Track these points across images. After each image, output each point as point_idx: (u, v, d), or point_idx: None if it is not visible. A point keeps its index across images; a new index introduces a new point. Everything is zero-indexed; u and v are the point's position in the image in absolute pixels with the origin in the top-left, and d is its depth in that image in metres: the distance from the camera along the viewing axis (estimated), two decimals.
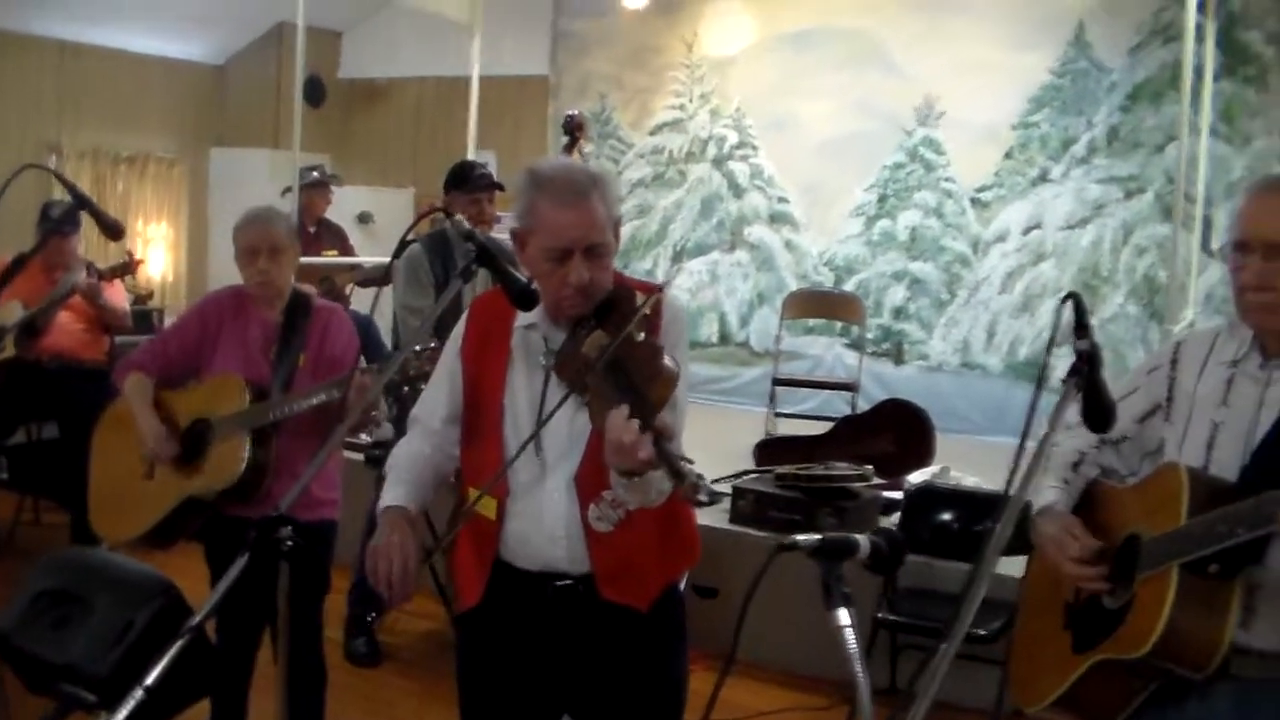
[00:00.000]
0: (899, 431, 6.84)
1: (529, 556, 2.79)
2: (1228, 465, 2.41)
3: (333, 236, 8.97)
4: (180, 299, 10.99)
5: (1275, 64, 8.12)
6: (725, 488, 6.19)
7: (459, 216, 2.74)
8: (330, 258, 8.73)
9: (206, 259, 11.01)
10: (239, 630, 4.09)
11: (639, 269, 10.25)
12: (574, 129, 6.54)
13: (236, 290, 4.20)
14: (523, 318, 2.77)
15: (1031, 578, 2.76)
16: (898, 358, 9.51)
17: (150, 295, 10.41)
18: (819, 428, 7.34)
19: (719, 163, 10.26)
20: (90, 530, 4.45)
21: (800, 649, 5.48)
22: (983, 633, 4.69)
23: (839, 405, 8.62)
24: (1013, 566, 4.89)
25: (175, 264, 11.52)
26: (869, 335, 9.39)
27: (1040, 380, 2.25)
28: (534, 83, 10.96)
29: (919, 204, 9.41)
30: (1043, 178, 8.94)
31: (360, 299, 8.83)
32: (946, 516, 5.37)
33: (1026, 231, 9.00)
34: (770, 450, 7.00)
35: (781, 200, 10.01)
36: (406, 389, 3.35)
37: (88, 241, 8.48)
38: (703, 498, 2.24)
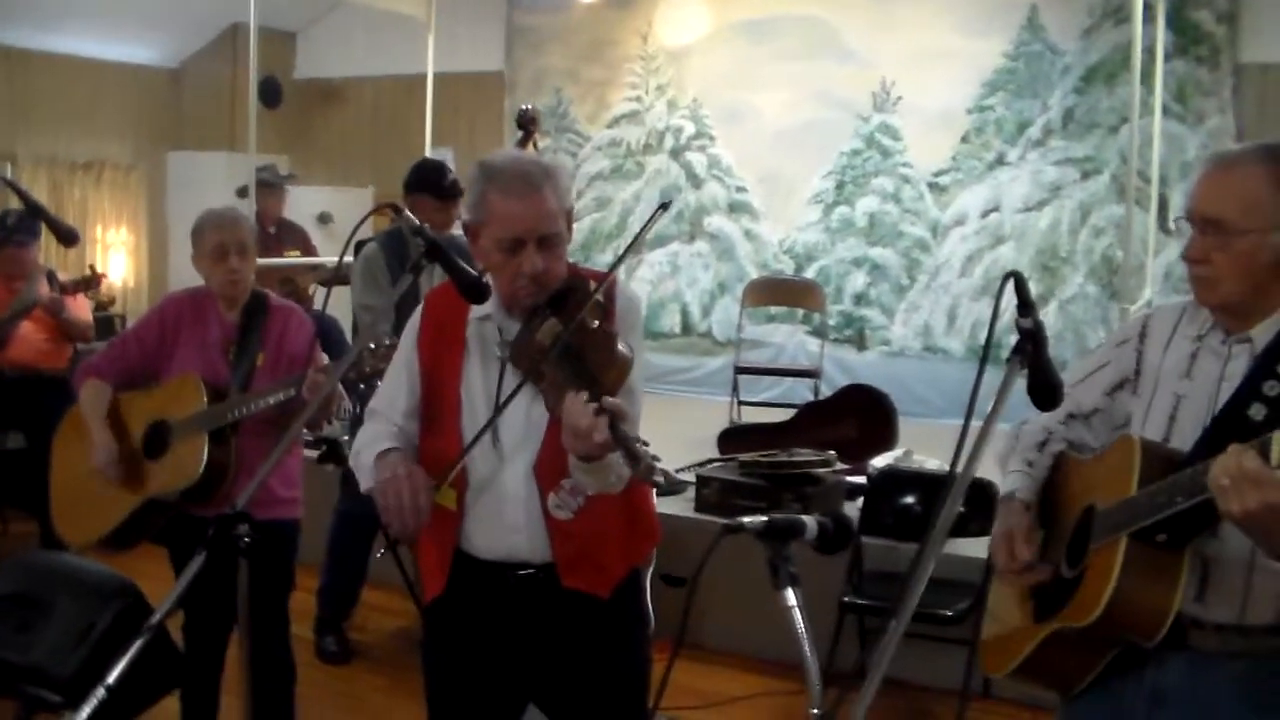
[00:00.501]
0: (861, 416, 6.88)
1: (490, 547, 2.81)
2: (1188, 438, 2.42)
3: (294, 237, 8.95)
4: (142, 304, 10.94)
5: (1226, 43, 8.18)
6: (690, 476, 6.23)
7: (407, 212, 2.75)
8: (292, 258, 8.72)
9: (167, 264, 10.95)
10: (205, 630, 4.10)
11: (600, 262, 10.23)
12: (527, 124, 6.56)
13: (195, 292, 4.20)
14: (477, 309, 2.78)
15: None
16: (860, 344, 9.55)
17: (111, 302, 10.40)
18: (782, 415, 7.37)
19: (677, 154, 10.28)
20: (59, 537, 4.45)
21: (771, 636, 5.51)
22: (948, 613, 4.74)
23: (802, 392, 8.67)
24: (975, 548, 4.98)
25: (136, 270, 11.46)
26: (830, 322, 9.43)
27: (984, 359, 2.26)
28: (489, 79, 10.95)
29: (877, 190, 9.44)
30: (999, 161, 8.99)
31: (323, 299, 8.80)
32: (910, 499, 5.40)
33: (985, 215, 9.05)
34: (734, 438, 7.02)
35: (740, 190, 10.03)
36: (364, 386, 3.35)
37: (46, 250, 8.45)
38: (658, 479, 2.27)
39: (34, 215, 3.90)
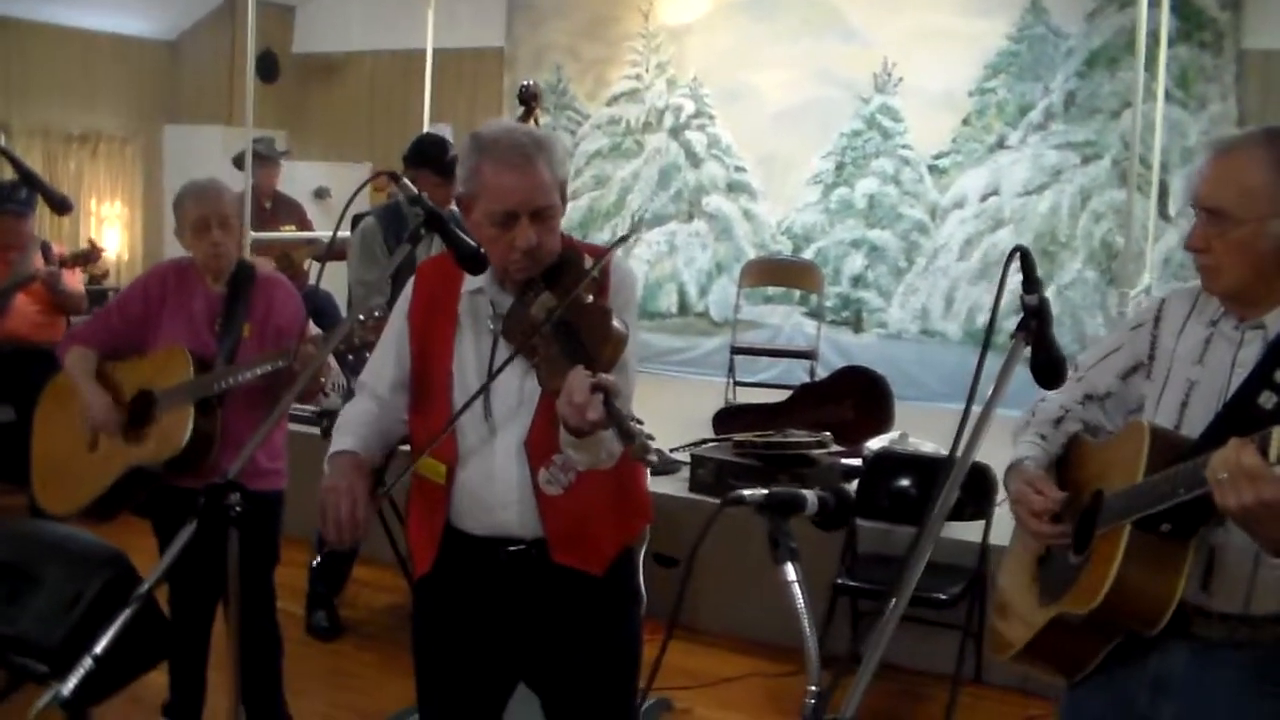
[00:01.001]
0: (857, 398, 6.86)
1: (480, 522, 2.78)
2: (1198, 425, 2.40)
3: (289, 212, 8.91)
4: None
5: (1230, 29, 8.15)
6: (684, 456, 6.21)
7: (405, 180, 2.72)
8: (287, 233, 8.68)
9: (162, 237, 10.92)
10: (192, 602, 4.08)
11: (598, 240, 10.21)
12: (529, 99, 6.52)
13: (180, 263, 4.17)
14: (470, 282, 2.75)
15: (1016, 530, 2.76)
16: (857, 326, 9.52)
17: (105, 275, 10.34)
18: (778, 396, 7.35)
19: (676, 133, 10.24)
20: (40, 507, 4.43)
21: (763, 617, 5.51)
22: (942, 597, 4.72)
23: (798, 374, 8.66)
24: (970, 532, 4.97)
25: (130, 243, 11.43)
26: (828, 304, 9.40)
27: (987, 341, 2.23)
28: (489, 54, 10.90)
29: (877, 172, 9.41)
30: (1000, 144, 8.96)
31: (317, 274, 8.78)
32: (905, 482, 5.38)
33: (984, 198, 9.02)
34: (729, 419, 7.01)
35: (739, 170, 10.00)
36: (352, 357, 3.32)
37: (40, 222, 8.40)
38: (651, 458, 2.25)
39: (26, 182, 3.86)
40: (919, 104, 9.22)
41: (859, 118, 9.45)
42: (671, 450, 6.37)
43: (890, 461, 5.55)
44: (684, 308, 10.24)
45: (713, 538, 2.11)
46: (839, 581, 5.04)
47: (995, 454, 2.78)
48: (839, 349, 9.30)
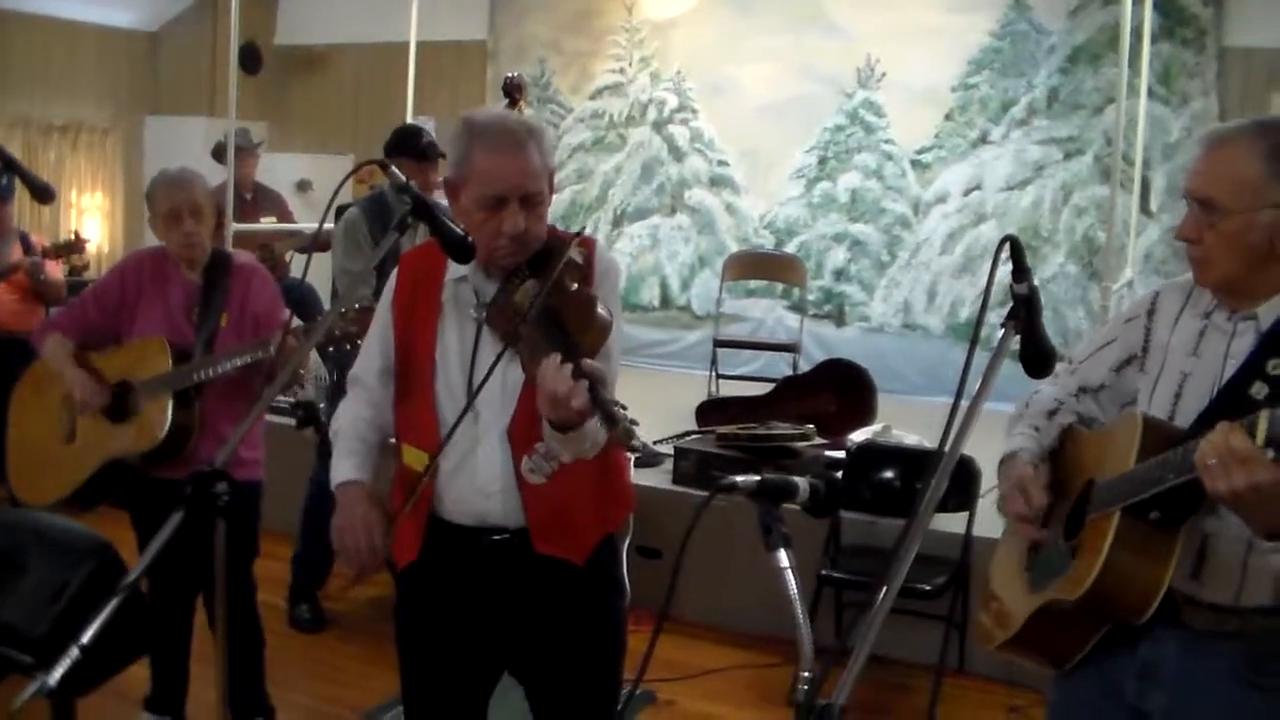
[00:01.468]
0: (840, 390, 6.86)
1: (463, 511, 2.78)
2: (1192, 416, 2.40)
3: (270, 203, 8.88)
4: None
5: (1212, 25, 8.17)
6: (667, 449, 6.21)
7: (393, 169, 2.71)
8: (269, 224, 8.65)
9: (143, 228, 10.80)
10: (172, 593, 4.06)
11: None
12: (513, 90, 6.50)
13: (156, 252, 4.15)
14: (454, 270, 2.75)
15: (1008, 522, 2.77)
16: (839, 319, 9.53)
17: (86, 267, 10.29)
18: (761, 389, 7.35)
19: (659, 126, 10.22)
20: (16, 498, 4.40)
21: (749, 609, 5.52)
22: (927, 588, 4.74)
23: (781, 367, 8.66)
24: (954, 524, 4.98)
25: (111, 234, 11.38)
26: (810, 297, 9.40)
27: (976, 334, 2.23)
28: (472, 48, 10.88)
29: (859, 166, 9.42)
30: (983, 139, 8.97)
31: (300, 265, 8.76)
32: (888, 474, 5.40)
33: (967, 193, 9.04)
34: (712, 411, 7.00)
35: (722, 163, 9.99)
36: (332, 349, 3.31)
37: (21, 212, 8.38)
38: (636, 443, 2.24)
39: (8, 169, 3.84)
40: (902, 99, 9.23)
41: (842, 112, 9.45)
42: (655, 443, 6.37)
43: (873, 454, 5.57)
44: (666, 301, 10.24)
45: (696, 529, 2.11)
46: (823, 573, 5.06)
47: (982, 445, 2.79)
48: (821, 342, 9.30)
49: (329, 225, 6.34)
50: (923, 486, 1.94)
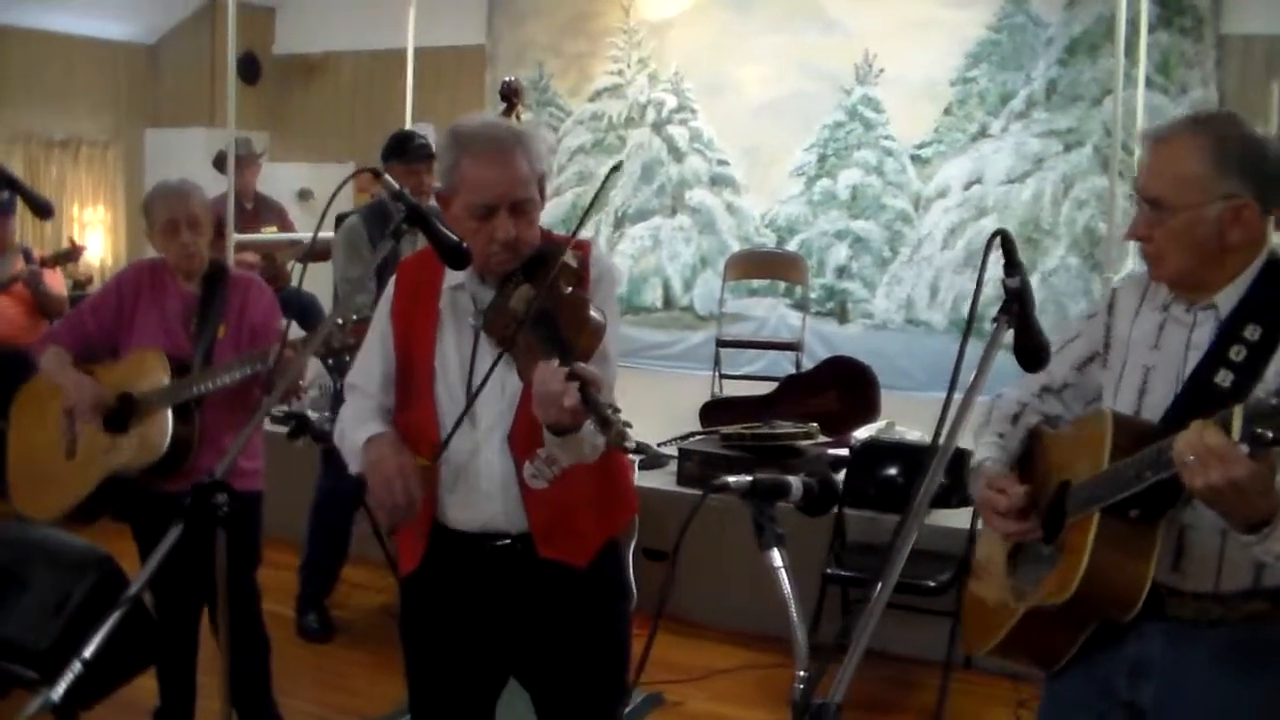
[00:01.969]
0: (843, 388, 6.86)
1: (466, 518, 2.79)
2: (1158, 409, 2.43)
3: (271, 213, 8.89)
4: None
5: (1210, 15, 8.17)
6: (671, 450, 6.21)
7: (387, 176, 2.71)
8: (270, 234, 8.66)
9: (145, 241, 10.87)
10: (177, 606, 4.06)
11: (581, 236, 10.17)
12: (510, 95, 6.49)
13: (153, 263, 4.15)
14: (451, 278, 2.75)
15: (983, 529, 2.78)
16: (842, 317, 9.53)
17: (89, 280, 10.32)
18: (765, 388, 7.34)
19: (658, 127, 10.23)
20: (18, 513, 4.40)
21: (753, 608, 5.51)
22: (931, 584, 4.73)
23: (785, 365, 8.65)
24: (958, 519, 4.98)
25: (114, 247, 11.40)
26: (813, 295, 9.40)
27: (969, 327, 2.25)
28: (470, 52, 10.88)
29: (859, 163, 9.42)
30: (982, 133, 8.97)
31: (300, 275, 8.74)
32: (892, 471, 5.41)
33: (967, 187, 9.03)
34: (716, 412, 7.00)
35: (722, 163, 10.00)
36: (331, 361, 3.32)
37: (23, 227, 8.40)
38: (630, 445, 2.25)
39: (8, 186, 3.86)
40: (900, 94, 9.23)
41: (841, 109, 9.46)
42: (659, 444, 6.38)
43: (877, 451, 5.57)
44: (669, 302, 10.24)
45: (701, 529, 2.12)
46: (828, 571, 5.06)
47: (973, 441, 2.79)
48: (824, 340, 9.30)
49: (329, 234, 6.36)
50: (917, 481, 1.94)
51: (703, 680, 5.25)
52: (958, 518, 5.05)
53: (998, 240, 2.21)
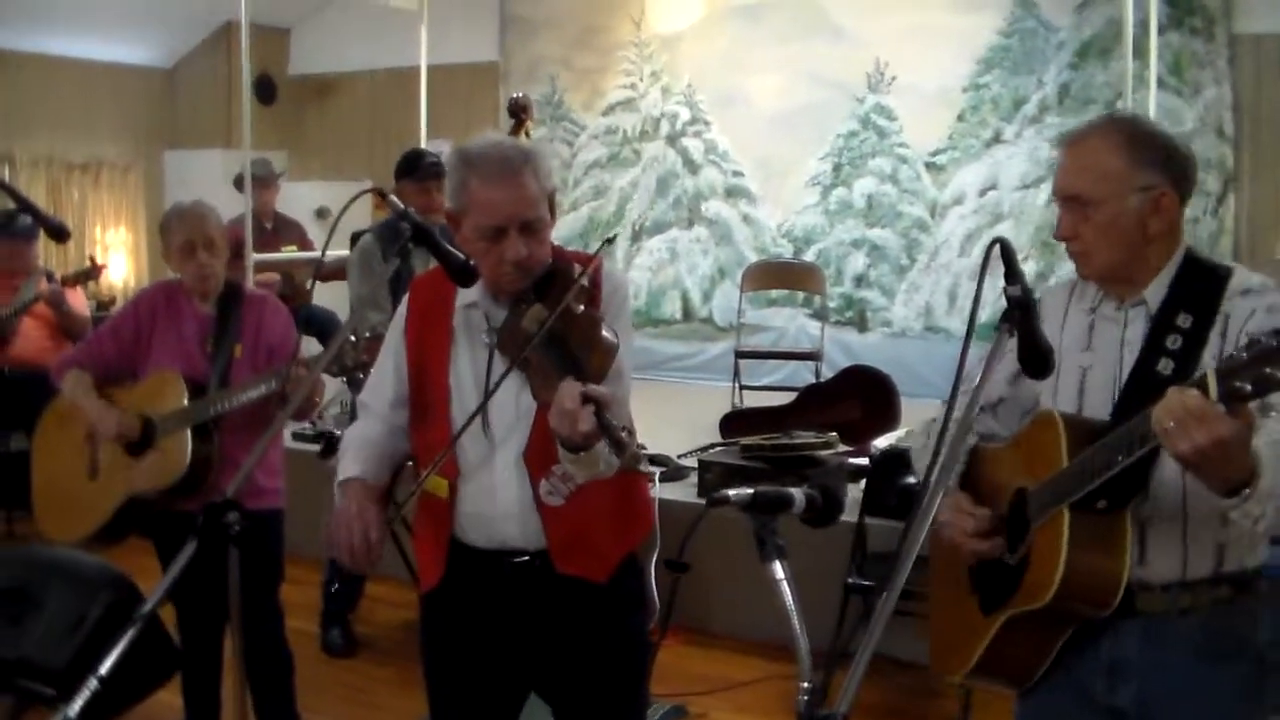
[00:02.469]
0: (863, 397, 6.86)
1: (484, 535, 2.80)
2: (1099, 406, 2.48)
3: (290, 232, 8.94)
4: None
5: (1220, 14, 8.15)
6: (691, 462, 6.22)
7: (392, 197, 2.74)
8: (289, 253, 8.70)
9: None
10: (199, 623, 4.09)
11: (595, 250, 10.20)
12: (519, 111, 6.52)
13: (168, 284, 4.19)
14: (463, 296, 2.77)
15: (933, 550, 2.79)
16: (861, 325, 9.53)
17: (112, 301, 10.40)
18: (785, 399, 7.35)
19: (673, 140, 10.25)
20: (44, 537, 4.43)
21: (776, 619, 5.47)
22: None
23: (804, 375, 8.65)
24: None
25: (136, 268, 11.48)
26: (831, 304, 9.41)
27: (969, 330, 2.29)
28: (483, 69, 10.94)
29: (874, 171, 9.42)
30: (996, 139, 8.96)
31: (322, 293, 8.80)
32: (913, 479, 5.37)
33: (983, 193, 9.02)
34: (736, 423, 7.01)
35: (737, 174, 10.01)
36: (346, 380, 3.34)
37: (49, 250, 8.46)
38: (643, 468, 2.27)
39: (23, 210, 3.89)
40: (913, 102, 9.22)
41: (854, 118, 9.46)
42: (679, 456, 6.40)
43: (897, 459, 5.54)
44: (688, 314, 10.25)
45: (723, 540, 2.14)
46: (850, 580, 5.05)
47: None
48: (844, 349, 9.30)
49: (344, 252, 6.40)
50: (920, 490, 1.96)
51: (725, 691, 5.25)
52: None
53: (997, 248, 2.24)
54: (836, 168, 9.57)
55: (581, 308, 2.62)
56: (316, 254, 8.82)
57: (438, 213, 5.28)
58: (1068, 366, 2.55)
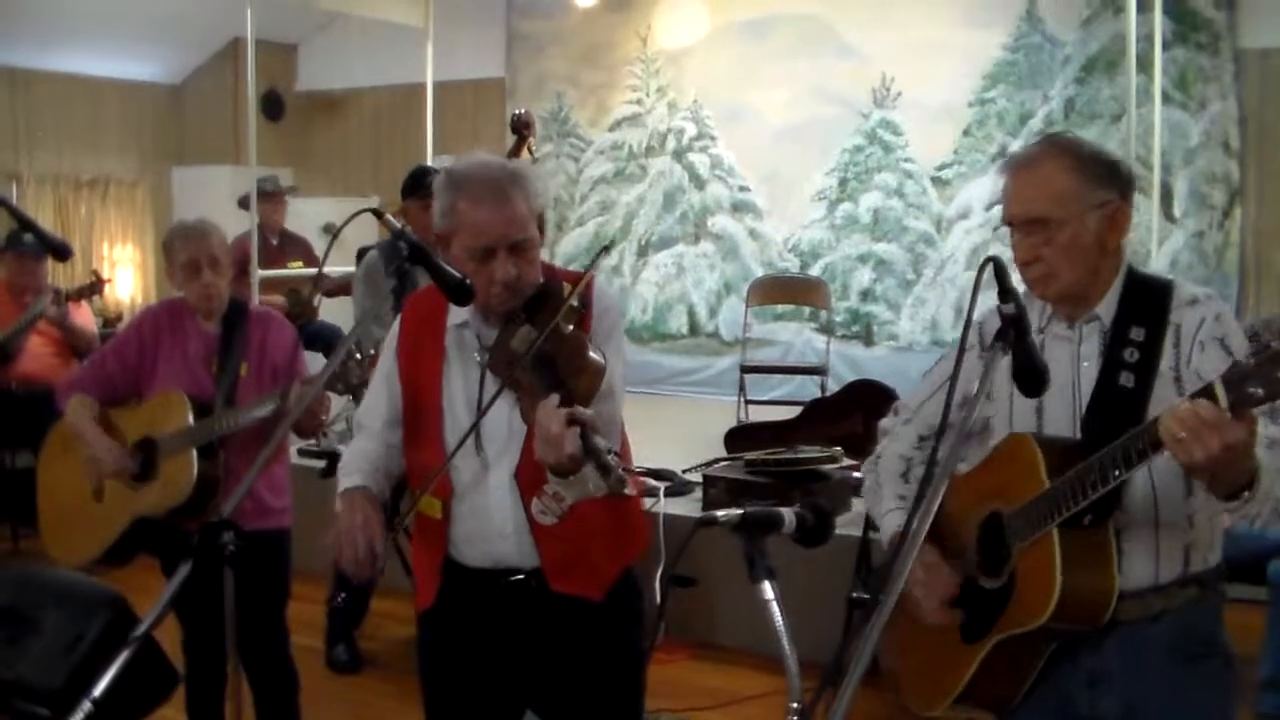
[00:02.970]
0: (868, 411, 6.83)
1: (479, 554, 2.80)
2: (1060, 422, 2.52)
3: (296, 248, 8.96)
4: None
5: (1225, 29, 8.14)
6: (696, 477, 6.22)
7: (388, 216, 2.74)
8: (295, 269, 8.72)
9: None
10: (205, 642, 4.09)
11: (605, 265, 10.24)
12: (521, 127, 6.51)
13: (172, 303, 4.17)
14: (455, 316, 2.77)
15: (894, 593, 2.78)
16: (867, 339, 9.53)
17: (119, 318, 10.43)
18: (791, 413, 7.33)
19: (679, 155, 10.27)
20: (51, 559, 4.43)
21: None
22: None
23: (811, 390, 8.63)
24: None
25: (143, 285, 11.50)
26: (837, 319, 9.42)
27: (962, 345, 2.31)
28: (490, 85, 10.97)
29: (880, 186, 9.42)
30: (1002, 153, 8.92)
31: (328, 309, 8.82)
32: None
33: (989, 208, 8.99)
34: (741, 437, 7.00)
35: (743, 189, 10.03)
36: (351, 397, 3.34)
37: (57, 267, 8.48)
38: (629, 491, 2.27)
39: (25, 228, 3.90)
40: (919, 117, 9.23)
41: (860, 133, 9.47)
42: (683, 471, 6.39)
43: None
44: (694, 328, 10.26)
45: (729, 554, 2.13)
46: (854, 595, 5.04)
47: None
48: (851, 363, 9.30)
49: (352, 268, 6.41)
50: (913, 507, 1.96)
51: (731, 706, 5.24)
52: None
53: (990, 266, 2.26)
54: (842, 182, 9.58)
55: (571, 328, 2.61)
56: (323, 270, 8.85)
57: None
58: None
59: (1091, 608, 2.36)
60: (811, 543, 2.14)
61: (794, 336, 9.78)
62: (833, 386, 8.38)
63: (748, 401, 8.57)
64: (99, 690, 2.05)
